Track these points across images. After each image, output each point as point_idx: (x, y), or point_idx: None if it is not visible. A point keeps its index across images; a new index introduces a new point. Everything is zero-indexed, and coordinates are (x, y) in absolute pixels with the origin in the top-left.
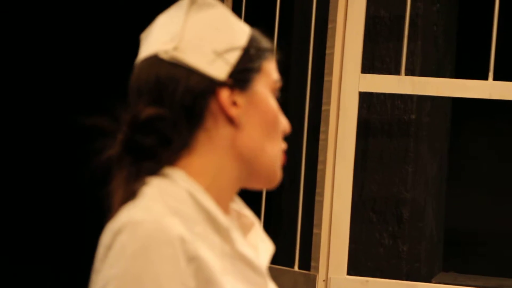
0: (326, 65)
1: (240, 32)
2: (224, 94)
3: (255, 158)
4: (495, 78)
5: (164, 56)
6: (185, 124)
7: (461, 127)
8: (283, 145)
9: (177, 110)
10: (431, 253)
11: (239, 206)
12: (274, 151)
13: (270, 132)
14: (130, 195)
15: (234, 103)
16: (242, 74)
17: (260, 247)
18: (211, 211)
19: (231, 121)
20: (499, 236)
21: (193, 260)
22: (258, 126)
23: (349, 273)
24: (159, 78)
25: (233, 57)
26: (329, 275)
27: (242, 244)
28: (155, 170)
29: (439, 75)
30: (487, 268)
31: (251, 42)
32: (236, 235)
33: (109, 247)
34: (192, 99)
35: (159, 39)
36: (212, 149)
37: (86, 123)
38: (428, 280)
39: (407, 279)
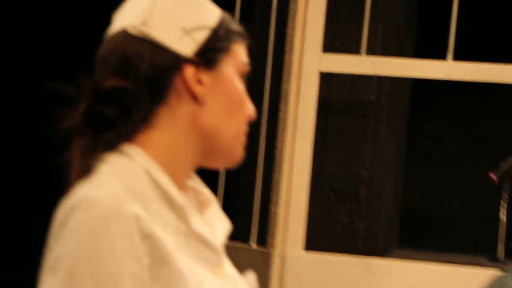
0: (287, 44)
1: (210, 13)
2: (189, 71)
3: (216, 137)
4: (454, 59)
5: (132, 30)
6: (147, 98)
7: (420, 107)
8: (245, 128)
9: (140, 84)
10: (387, 231)
11: (197, 183)
12: (236, 132)
13: (233, 113)
14: (86, 171)
15: (199, 81)
16: (209, 53)
17: (217, 225)
18: (167, 190)
19: (194, 98)
20: (454, 214)
21: (148, 238)
22: (221, 106)
23: (306, 249)
24: (125, 51)
25: (202, 35)
26: (286, 251)
27: (197, 222)
28: (113, 143)
29: (399, 55)
30: (441, 245)
31: (221, 23)
32: (191, 213)
33: (63, 224)
34: (156, 74)
35: (129, 14)
36: (173, 125)
37: (50, 88)
38: (384, 256)
39: (363, 256)
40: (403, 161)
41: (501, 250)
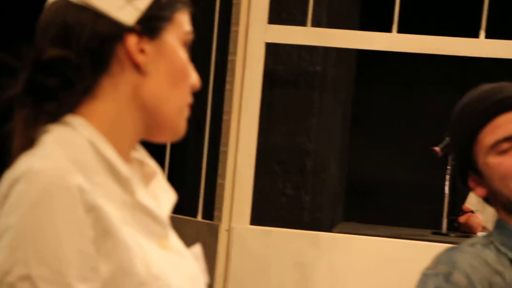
0: (233, 16)
1: None
2: (132, 40)
3: (159, 108)
4: (399, 31)
5: None
6: (89, 68)
7: (366, 79)
8: (189, 99)
9: (82, 54)
10: (333, 203)
11: (142, 155)
12: (179, 103)
13: (176, 83)
14: (29, 142)
15: (142, 50)
16: (152, 22)
17: (162, 196)
18: (111, 161)
19: (137, 68)
20: (399, 187)
21: (92, 210)
22: (164, 75)
23: (252, 223)
24: (66, 20)
25: (143, 4)
26: (232, 224)
27: (142, 194)
28: (56, 114)
29: (345, 27)
30: (386, 218)
31: None
32: (137, 185)
33: (6, 197)
34: (98, 44)
35: None
36: (116, 96)
37: None
38: (329, 229)
39: (309, 229)
40: (349, 133)
41: (444, 224)
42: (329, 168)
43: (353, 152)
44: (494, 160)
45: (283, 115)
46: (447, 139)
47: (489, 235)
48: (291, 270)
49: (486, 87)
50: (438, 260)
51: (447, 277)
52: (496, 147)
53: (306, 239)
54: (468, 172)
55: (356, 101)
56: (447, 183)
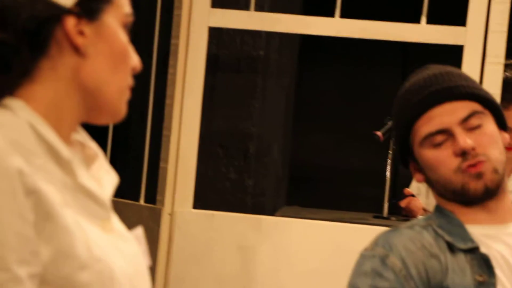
0: None
1: None
2: (70, 22)
3: (99, 90)
4: (342, 16)
5: None
6: (28, 51)
7: (309, 64)
8: (130, 81)
9: (20, 36)
10: (276, 188)
11: (83, 137)
12: (120, 86)
13: (116, 66)
14: None
15: (81, 32)
16: (91, 3)
17: (104, 179)
18: (52, 143)
19: (76, 50)
20: (341, 171)
21: (32, 193)
22: (104, 58)
23: (195, 207)
24: (3, 2)
25: None
26: (175, 208)
27: (84, 176)
28: None
29: (288, 12)
30: (328, 202)
31: None
32: (78, 167)
33: None
34: (36, 26)
35: None
36: (55, 79)
37: None
38: (272, 213)
39: (252, 213)
40: (292, 118)
41: (386, 207)
42: (272, 152)
43: (296, 136)
44: (428, 152)
45: (226, 100)
46: (389, 123)
47: (429, 217)
48: (234, 254)
49: (425, 74)
50: (376, 242)
51: (383, 259)
52: (430, 139)
53: (249, 223)
54: (408, 157)
55: (300, 86)
56: (388, 167)
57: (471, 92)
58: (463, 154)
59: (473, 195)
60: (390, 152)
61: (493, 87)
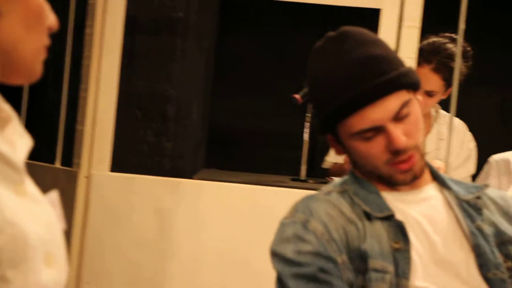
0: None
1: None
2: None
3: (14, 49)
4: None
5: None
6: None
7: (229, 26)
8: (46, 41)
9: None
10: (194, 151)
11: None
12: (35, 45)
13: (32, 25)
14: None
15: None
16: None
17: (18, 142)
18: None
19: None
20: (260, 134)
21: None
22: (19, 16)
23: (112, 170)
24: None
25: None
26: (92, 171)
27: None
28: None
29: None
30: (248, 165)
31: None
32: None
33: None
34: None
35: None
36: None
37: None
38: (190, 176)
39: (170, 176)
40: (211, 80)
41: (303, 170)
42: (191, 115)
43: (216, 99)
44: (358, 145)
45: (144, 61)
46: (307, 87)
47: (344, 182)
48: (152, 217)
49: (349, 57)
50: (296, 208)
51: (304, 224)
52: (362, 134)
53: (167, 186)
54: (328, 132)
55: (219, 48)
56: (306, 130)
57: (400, 83)
58: (396, 152)
59: (401, 184)
60: (308, 115)
61: (409, 51)
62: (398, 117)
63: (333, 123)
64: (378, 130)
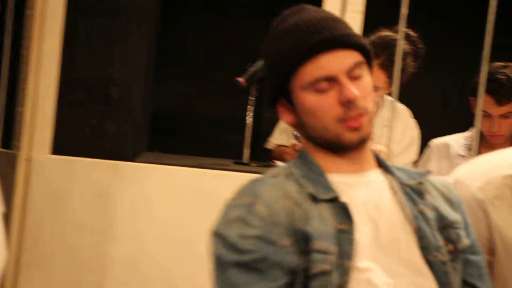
0: None
1: None
2: None
3: None
4: None
5: None
6: None
7: (172, 10)
8: None
9: None
10: (136, 134)
11: None
12: None
13: None
14: None
15: None
16: None
17: None
18: None
19: None
20: (203, 117)
21: None
22: None
23: (54, 152)
24: None
25: None
26: (32, 154)
27: None
28: None
29: None
30: (190, 149)
31: None
32: None
33: None
34: None
35: None
36: None
37: None
38: (132, 159)
39: (112, 159)
40: (154, 64)
41: (246, 154)
42: (134, 98)
43: (159, 82)
44: (311, 98)
45: (86, 44)
46: (250, 70)
47: (291, 165)
48: (93, 200)
49: (307, 16)
50: (242, 191)
51: (249, 207)
52: (315, 85)
53: (109, 168)
54: (280, 97)
55: (163, 32)
56: (249, 114)
57: (357, 42)
58: (348, 104)
59: (348, 145)
60: (252, 98)
61: None
62: (351, 75)
63: (288, 78)
64: (332, 81)
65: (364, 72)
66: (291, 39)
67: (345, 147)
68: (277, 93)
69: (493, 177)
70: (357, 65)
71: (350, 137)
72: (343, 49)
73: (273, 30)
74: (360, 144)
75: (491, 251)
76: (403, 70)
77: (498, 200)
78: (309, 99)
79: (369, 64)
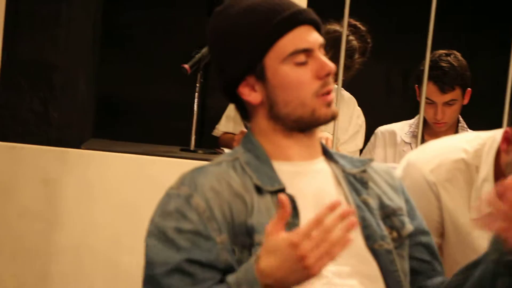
0: None
1: None
2: None
3: None
4: None
5: None
6: None
7: None
8: None
9: None
10: (82, 120)
11: None
12: None
13: None
14: None
15: None
16: None
17: None
18: None
19: None
20: (150, 104)
21: None
22: None
23: None
24: None
25: None
26: None
27: None
28: None
29: None
30: (137, 135)
31: None
32: None
33: None
34: None
35: None
36: None
37: None
38: (78, 146)
39: (57, 145)
40: (99, 48)
41: (193, 141)
42: (79, 84)
43: (105, 68)
44: (290, 71)
45: (29, 27)
46: (196, 56)
47: (236, 150)
48: (39, 187)
49: None
50: (182, 180)
51: (187, 199)
52: (294, 57)
53: (54, 155)
54: (246, 76)
55: (108, 16)
56: (196, 100)
57: (320, 24)
58: (326, 77)
59: (322, 120)
60: (198, 85)
61: None
62: (321, 50)
63: (264, 51)
64: (309, 54)
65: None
66: (260, 16)
67: (318, 122)
68: (246, 71)
69: (445, 160)
70: (322, 44)
71: (326, 112)
72: (313, 26)
73: (231, 6)
74: (330, 120)
75: (442, 234)
76: (350, 67)
77: (449, 183)
78: (288, 73)
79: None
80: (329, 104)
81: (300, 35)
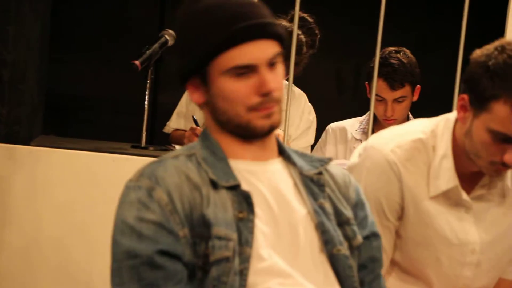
0: None
1: None
2: None
3: None
4: None
5: None
6: None
7: None
8: None
9: None
10: (31, 116)
11: None
12: None
13: None
14: None
15: None
16: None
17: None
18: None
19: None
20: (100, 101)
21: None
22: None
23: None
24: None
25: None
26: None
27: None
28: None
29: None
30: (87, 132)
31: None
32: None
33: None
34: None
35: None
36: None
37: None
38: (27, 143)
39: (5, 142)
40: (49, 45)
41: (144, 137)
42: (28, 80)
43: (54, 64)
44: (229, 83)
45: None
46: (147, 53)
47: (193, 146)
48: None
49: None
50: (142, 173)
51: (149, 191)
52: (235, 70)
53: (3, 152)
54: (193, 77)
55: (57, 12)
56: (147, 97)
57: (278, 33)
58: (265, 95)
59: (259, 132)
60: (149, 81)
61: None
62: (270, 64)
63: (208, 59)
64: (252, 70)
65: (279, 62)
66: (215, 21)
67: (255, 134)
68: (191, 73)
69: (404, 141)
70: (276, 55)
71: (262, 124)
72: (266, 39)
73: (193, 3)
74: (270, 131)
75: (401, 217)
76: (298, 63)
77: (409, 162)
78: (226, 85)
79: (284, 48)
80: (268, 116)
81: (245, 51)
